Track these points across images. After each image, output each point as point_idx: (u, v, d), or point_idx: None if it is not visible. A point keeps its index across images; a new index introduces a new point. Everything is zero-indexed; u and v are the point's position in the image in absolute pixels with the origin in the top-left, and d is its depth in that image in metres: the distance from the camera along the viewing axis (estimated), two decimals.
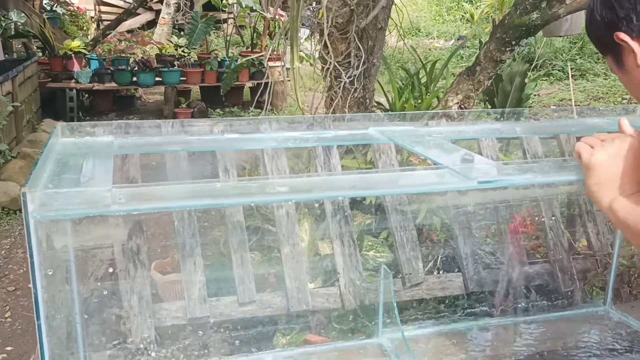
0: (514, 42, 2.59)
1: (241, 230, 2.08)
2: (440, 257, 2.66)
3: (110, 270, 1.88)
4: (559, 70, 10.10)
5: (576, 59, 10.23)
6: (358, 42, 2.41)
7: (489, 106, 3.70)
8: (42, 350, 1.07)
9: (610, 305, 2.12)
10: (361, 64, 2.48)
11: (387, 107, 3.11)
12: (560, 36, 5.22)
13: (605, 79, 9.57)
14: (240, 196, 1.15)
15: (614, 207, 1.13)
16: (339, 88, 2.49)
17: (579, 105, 8.63)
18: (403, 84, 3.16)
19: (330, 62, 2.40)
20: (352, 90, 2.54)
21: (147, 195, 1.12)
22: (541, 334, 2.02)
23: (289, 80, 8.87)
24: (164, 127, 1.83)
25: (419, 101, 2.91)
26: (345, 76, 2.45)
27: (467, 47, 11.45)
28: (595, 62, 10.15)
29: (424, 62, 3.20)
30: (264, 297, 2.09)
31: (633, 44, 1.17)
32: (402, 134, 1.66)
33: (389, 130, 1.69)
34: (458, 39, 12.14)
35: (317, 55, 2.49)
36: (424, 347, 1.95)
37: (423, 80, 3.18)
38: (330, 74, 2.52)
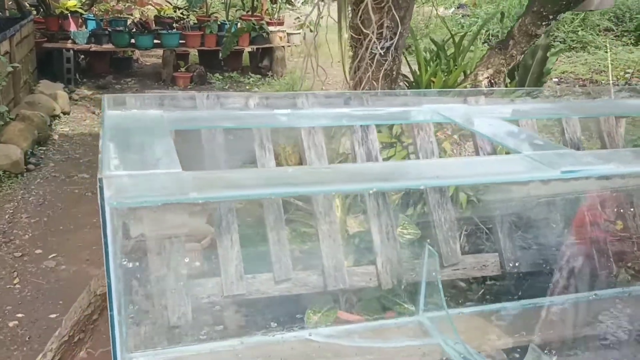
0: (551, 17, 2.52)
1: (277, 206, 2.03)
2: (462, 232, 2.64)
3: (147, 247, 1.82)
4: (560, 41, 10.01)
5: (577, 31, 10.14)
6: (394, 12, 2.32)
7: (509, 80, 3.63)
8: (114, 342, 1.01)
9: None
10: (396, 35, 2.40)
11: (412, 79, 3.04)
12: (591, 10, 5.16)
13: (606, 52, 9.51)
14: (318, 184, 1.09)
15: None
16: (371, 60, 2.41)
17: (580, 78, 8.59)
18: (429, 56, 3.09)
19: (367, 33, 2.31)
20: (383, 62, 2.47)
21: (224, 182, 1.06)
22: (580, 315, 2.01)
23: (289, 46, 8.71)
24: (199, 100, 1.76)
25: (447, 75, 2.84)
26: (379, 47, 2.37)
27: (468, 15, 11.30)
28: (597, 35, 10.08)
29: (452, 34, 3.12)
30: (300, 275, 2.05)
31: None
32: (459, 113, 1.60)
33: (444, 108, 1.63)
34: (458, 7, 11.97)
35: (344, 25, 2.40)
36: (464, 327, 1.93)
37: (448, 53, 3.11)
38: (362, 44, 2.44)
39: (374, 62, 2.40)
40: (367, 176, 1.11)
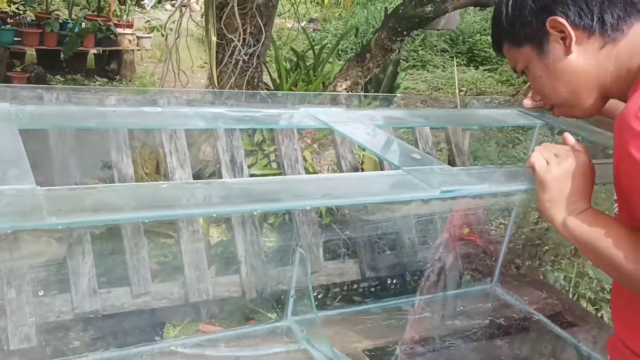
0: (405, 33, 2.66)
1: None
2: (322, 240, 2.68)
3: None
4: (402, 59, 10.64)
5: (418, 51, 10.86)
6: (258, 19, 2.30)
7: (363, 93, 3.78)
8: None
9: (497, 284, 2.29)
10: (259, 42, 2.39)
11: (273, 88, 3.04)
12: (438, 30, 5.54)
13: (443, 71, 10.29)
14: (198, 206, 1.00)
15: (569, 225, 1.15)
16: (234, 66, 2.37)
17: (421, 94, 9.19)
18: (289, 65, 3.11)
19: (230, 38, 2.27)
20: (246, 68, 2.44)
21: (89, 202, 0.93)
22: (435, 313, 2.12)
23: (139, 50, 8.36)
24: (47, 96, 1.61)
25: (307, 84, 2.88)
26: (243, 53, 2.34)
27: (319, 30, 11.65)
28: (435, 55, 10.86)
29: (313, 45, 3.18)
30: (160, 287, 1.95)
31: (570, 29, 1.18)
32: (335, 118, 1.57)
33: (320, 111, 1.58)
34: (309, 21, 12.28)
35: (211, 27, 2.33)
36: (331, 330, 1.95)
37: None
38: (224, 49, 2.39)
39: (238, 68, 2.36)
40: (252, 196, 1.03)
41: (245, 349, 1.80)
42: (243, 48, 2.37)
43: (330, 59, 3.38)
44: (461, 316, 2.10)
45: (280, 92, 2.55)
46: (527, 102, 1.64)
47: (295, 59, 3.13)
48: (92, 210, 0.92)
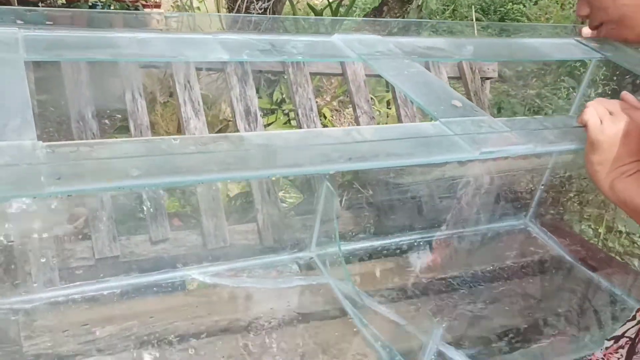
0: None
1: None
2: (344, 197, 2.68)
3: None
4: (433, 31, 10.49)
5: (448, 22, 10.69)
6: None
7: None
8: None
9: (531, 219, 2.24)
10: None
11: None
12: None
13: None
14: (218, 171, 0.88)
15: (618, 188, 1.05)
16: (248, 21, 2.37)
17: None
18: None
19: None
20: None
21: (95, 166, 0.83)
22: (465, 247, 2.11)
23: (167, 29, 8.44)
24: (60, 20, 1.60)
25: None
26: (258, 7, 2.34)
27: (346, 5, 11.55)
28: (466, 27, 10.69)
29: (330, 1, 3.17)
30: (179, 235, 1.98)
31: None
32: (372, 49, 1.43)
33: (355, 40, 1.47)
34: None
35: None
36: (353, 267, 1.97)
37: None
38: (238, 5, 2.39)
39: (252, 24, 2.36)
40: (270, 161, 0.94)
41: (267, 281, 1.81)
42: (257, 2, 2.36)
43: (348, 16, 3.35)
44: (489, 250, 2.07)
45: (313, 17, 2.50)
46: (587, 30, 1.49)
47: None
48: (97, 176, 0.82)
